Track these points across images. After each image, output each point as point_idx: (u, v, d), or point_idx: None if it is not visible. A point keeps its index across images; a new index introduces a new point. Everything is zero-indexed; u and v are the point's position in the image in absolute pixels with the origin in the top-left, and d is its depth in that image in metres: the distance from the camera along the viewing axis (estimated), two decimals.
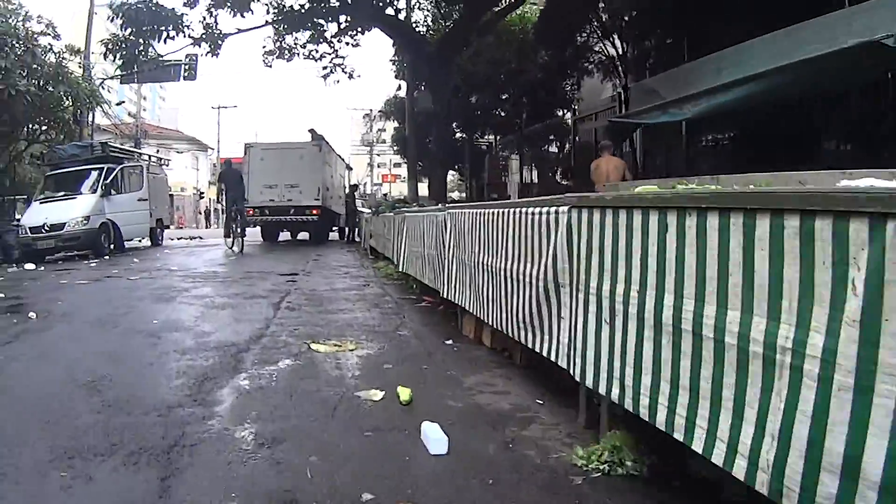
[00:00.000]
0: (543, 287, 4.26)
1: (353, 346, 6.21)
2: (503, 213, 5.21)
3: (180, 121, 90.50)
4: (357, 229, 26.00)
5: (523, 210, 4.69)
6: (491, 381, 4.99)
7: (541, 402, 4.39)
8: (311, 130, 24.94)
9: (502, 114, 29.66)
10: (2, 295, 10.08)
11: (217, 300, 9.02)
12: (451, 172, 34.42)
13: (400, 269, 10.86)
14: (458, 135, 31.32)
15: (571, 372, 3.84)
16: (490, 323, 5.70)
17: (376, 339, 6.64)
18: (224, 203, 19.75)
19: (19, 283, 12.23)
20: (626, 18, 19.81)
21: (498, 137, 31.13)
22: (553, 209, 4.09)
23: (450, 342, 6.51)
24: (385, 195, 45.51)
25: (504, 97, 28.40)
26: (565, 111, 28.29)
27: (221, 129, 55.65)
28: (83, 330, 7.07)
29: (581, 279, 3.70)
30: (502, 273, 5.16)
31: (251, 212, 23.31)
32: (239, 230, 18.93)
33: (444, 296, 7.47)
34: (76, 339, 6.58)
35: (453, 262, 7.19)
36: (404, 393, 4.54)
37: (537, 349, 4.48)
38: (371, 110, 55.43)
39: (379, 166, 64.67)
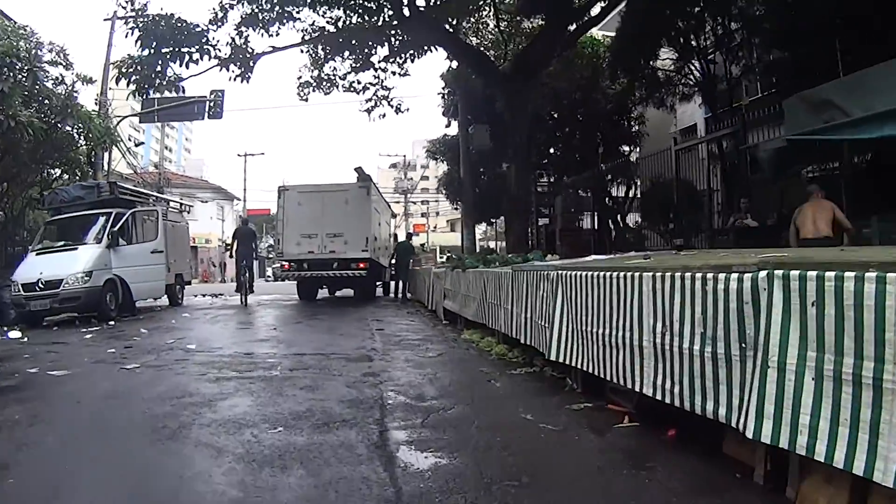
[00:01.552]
0: None
1: None
2: None
3: (206, 171, 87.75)
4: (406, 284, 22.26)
5: None
6: None
7: None
8: (358, 169, 20.84)
9: (558, 153, 25.83)
10: None
11: (265, 438, 4.59)
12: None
13: (552, 357, 6.56)
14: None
15: None
16: None
17: None
18: (235, 259, 19.48)
19: None
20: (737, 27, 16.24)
21: (551, 179, 27.00)
22: None
23: None
24: (422, 246, 41.55)
25: (558, 134, 24.58)
26: (631, 147, 24.42)
27: (248, 178, 51.87)
28: None
29: None
30: None
31: (286, 266, 19.76)
32: (247, 285, 19.03)
33: (753, 434, 3.38)
34: None
35: (788, 375, 3.26)
36: None
37: None
38: (404, 156, 51.68)
39: (408, 216, 60.64)
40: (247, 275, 19.09)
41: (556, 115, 23.93)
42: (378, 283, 23.52)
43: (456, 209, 32.55)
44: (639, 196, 21.73)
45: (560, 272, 6.50)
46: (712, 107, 18.24)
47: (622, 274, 5.08)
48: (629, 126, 23.47)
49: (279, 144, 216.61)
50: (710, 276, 3.93)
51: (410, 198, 59.08)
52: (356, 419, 5.11)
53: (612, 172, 22.57)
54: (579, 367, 6.01)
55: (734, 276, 3.67)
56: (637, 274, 4.82)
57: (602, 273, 5.47)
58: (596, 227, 22.30)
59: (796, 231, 9.61)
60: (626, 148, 24.59)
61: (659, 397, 4.45)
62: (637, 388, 4.76)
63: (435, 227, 71.91)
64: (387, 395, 6.14)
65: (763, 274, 3.42)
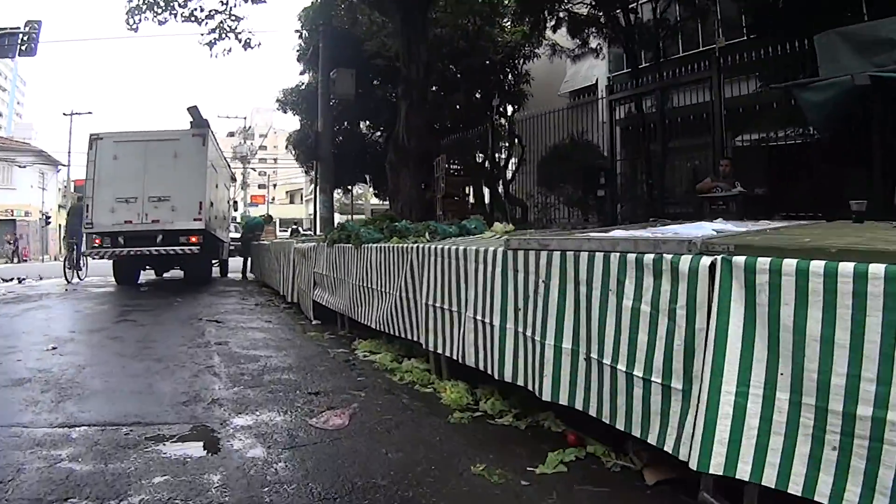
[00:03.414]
0: None
1: None
2: None
3: (35, 137, 75.95)
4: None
5: None
6: None
7: None
8: (192, 109, 15.34)
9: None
10: None
11: None
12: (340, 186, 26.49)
13: (712, 467, 2.48)
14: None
15: None
16: None
17: None
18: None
19: None
20: None
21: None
22: None
23: None
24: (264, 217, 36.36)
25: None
26: (515, 108, 20.62)
27: (76, 142, 42.76)
28: None
29: None
30: None
31: (97, 241, 14.33)
32: (76, 263, 16.93)
33: None
34: None
35: None
36: None
37: None
38: (244, 119, 45.60)
39: (247, 186, 54.13)
40: (74, 252, 16.93)
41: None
42: (214, 262, 18.36)
43: (306, 172, 27.52)
44: (517, 161, 18.34)
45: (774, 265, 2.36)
46: (633, 60, 14.75)
47: None
48: (516, 84, 19.82)
49: (111, 108, 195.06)
50: None
51: (247, 167, 52.77)
52: None
53: (495, 134, 18.81)
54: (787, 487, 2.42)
55: None
56: None
57: None
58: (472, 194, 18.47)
59: None
60: (511, 109, 20.89)
61: None
62: None
63: (273, 199, 65.86)
64: None
65: None
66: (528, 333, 3.94)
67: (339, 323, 8.44)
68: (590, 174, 13.12)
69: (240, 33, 16.43)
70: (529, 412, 4.27)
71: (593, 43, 16.09)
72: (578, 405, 3.57)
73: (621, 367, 3.21)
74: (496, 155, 19.50)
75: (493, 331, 4.31)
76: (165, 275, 17.95)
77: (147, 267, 16.90)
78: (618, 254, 3.30)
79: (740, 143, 11.50)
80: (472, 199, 18.27)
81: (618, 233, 3.90)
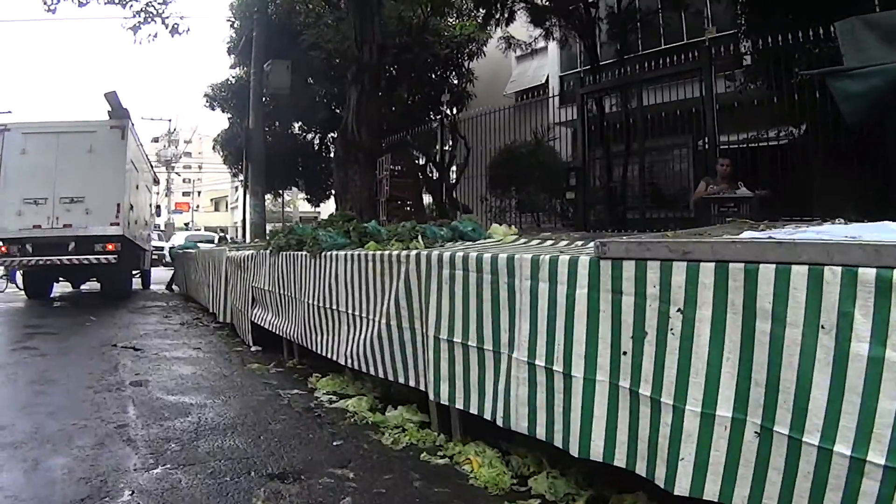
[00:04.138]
0: None
1: None
2: None
3: None
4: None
5: None
6: None
7: None
8: (110, 95, 13.24)
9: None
10: None
11: None
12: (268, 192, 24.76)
13: None
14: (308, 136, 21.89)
15: None
16: None
17: None
18: None
19: None
20: None
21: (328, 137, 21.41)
22: None
23: None
24: (186, 225, 34.39)
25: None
26: (458, 108, 19.24)
27: None
28: None
29: None
30: None
31: (3, 249, 12.43)
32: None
33: None
34: None
35: None
36: None
37: None
38: (169, 121, 43.10)
39: (170, 193, 50.99)
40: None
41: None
42: (135, 273, 16.23)
43: (234, 175, 25.52)
44: (460, 164, 16.96)
45: None
46: (593, 57, 13.63)
47: None
48: (460, 83, 18.84)
49: (31, 107, 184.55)
50: None
51: (171, 173, 49.75)
52: None
53: (442, 134, 17.40)
54: None
55: None
56: None
57: None
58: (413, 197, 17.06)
59: None
60: (451, 110, 19.53)
61: None
62: None
63: (198, 207, 62.94)
64: None
65: None
66: (646, 392, 2.42)
67: (285, 350, 6.80)
68: (556, 175, 11.84)
69: (167, 18, 14.80)
70: (606, 492, 2.81)
71: (557, 34, 14.86)
72: (740, 503, 2.10)
73: (841, 448, 1.83)
74: (442, 157, 18.11)
75: (570, 384, 2.75)
76: (83, 287, 15.82)
77: (61, 279, 14.86)
78: (838, 268, 1.84)
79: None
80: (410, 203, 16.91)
81: (816, 233, 2.43)
